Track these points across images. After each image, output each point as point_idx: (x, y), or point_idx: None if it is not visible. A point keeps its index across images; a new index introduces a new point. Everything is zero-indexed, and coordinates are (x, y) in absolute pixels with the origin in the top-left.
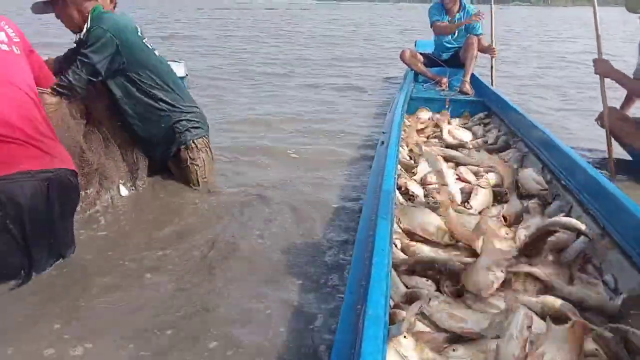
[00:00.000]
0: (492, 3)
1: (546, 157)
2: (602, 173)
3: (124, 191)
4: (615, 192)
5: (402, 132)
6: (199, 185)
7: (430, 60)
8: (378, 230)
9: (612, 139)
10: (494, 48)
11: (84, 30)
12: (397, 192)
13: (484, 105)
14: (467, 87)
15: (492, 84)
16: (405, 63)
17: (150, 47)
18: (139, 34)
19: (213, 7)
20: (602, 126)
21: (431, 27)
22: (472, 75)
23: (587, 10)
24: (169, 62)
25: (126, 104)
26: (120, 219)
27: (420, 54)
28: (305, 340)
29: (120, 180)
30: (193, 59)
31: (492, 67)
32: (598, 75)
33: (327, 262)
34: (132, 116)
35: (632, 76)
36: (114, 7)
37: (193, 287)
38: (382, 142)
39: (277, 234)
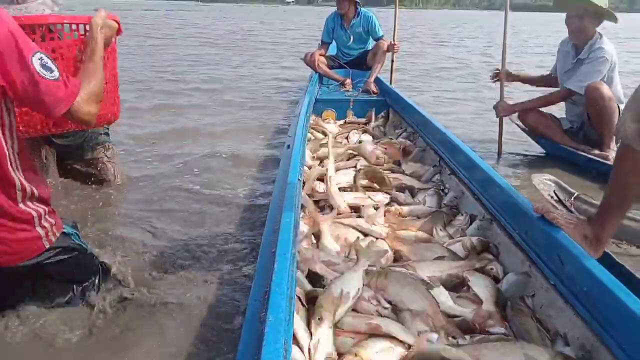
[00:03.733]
0: (396, 6)
1: (441, 151)
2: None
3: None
4: (499, 180)
5: (309, 134)
6: (116, 179)
7: (334, 62)
8: (281, 233)
9: (525, 133)
10: (394, 44)
11: None
12: (303, 194)
13: (386, 104)
14: (372, 86)
15: (390, 81)
16: (309, 65)
17: None
18: None
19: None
20: (497, 114)
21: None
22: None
23: (454, 12)
24: None
25: None
26: None
27: (323, 55)
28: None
29: None
30: None
31: (392, 62)
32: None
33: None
34: None
35: (549, 72)
36: None
37: None
38: (288, 146)
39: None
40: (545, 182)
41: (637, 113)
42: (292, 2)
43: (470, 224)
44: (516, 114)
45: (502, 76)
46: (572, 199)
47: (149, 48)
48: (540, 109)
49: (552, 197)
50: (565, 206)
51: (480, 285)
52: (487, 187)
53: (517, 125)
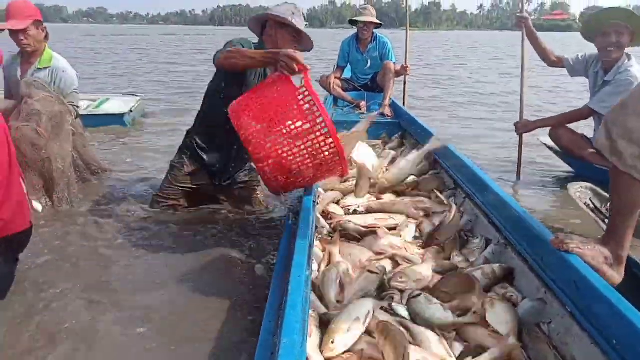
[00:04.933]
0: (407, 29)
1: (457, 177)
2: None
3: (37, 206)
4: (514, 205)
5: None
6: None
7: (348, 85)
8: (295, 255)
9: (554, 153)
10: (406, 67)
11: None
12: (317, 214)
13: (400, 127)
14: (387, 110)
15: (404, 102)
16: (324, 88)
17: None
18: None
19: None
20: (517, 132)
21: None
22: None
23: (463, 33)
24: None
25: None
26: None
27: (338, 78)
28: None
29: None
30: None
31: (404, 84)
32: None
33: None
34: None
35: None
36: None
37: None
38: None
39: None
40: (581, 190)
41: (626, 130)
42: (306, 24)
43: (485, 249)
44: (546, 134)
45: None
46: (609, 205)
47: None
48: (569, 127)
49: (587, 205)
50: (601, 213)
51: (501, 322)
52: (501, 211)
53: (546, 145)
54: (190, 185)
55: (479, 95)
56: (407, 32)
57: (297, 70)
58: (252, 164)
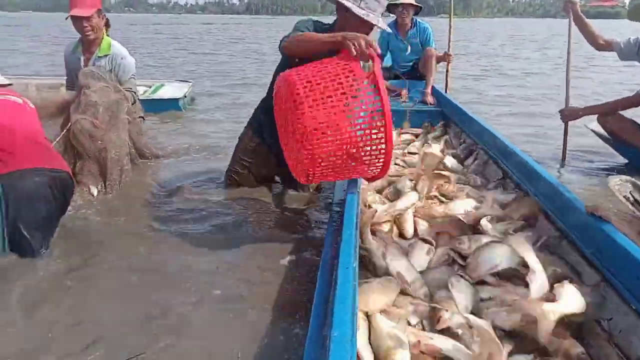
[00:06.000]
0: (451, 15)
1: (505, 165)
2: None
3: (93, 190)
4: (571, 197)
5: None
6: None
7: (389, 73)
8: (343, 246)
9: (603, 140)
10: (449, 55)
11: None
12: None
13: (443, 114)
14: (430, 98)
15: (445, 90)
16: None
17: None
18: None
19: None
20: (563, 119)
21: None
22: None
23: (505, 21)
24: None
25: None
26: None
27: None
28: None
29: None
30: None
31: (447, 72)
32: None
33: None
34: None
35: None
36: None
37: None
38: None
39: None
40: (621, 184)
41: None
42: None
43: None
44: (595, 121)
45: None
46: None
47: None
48: (621, 113)
49: (628, 198)
50: None
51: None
52: (556, 203)
53: (595, 132)
54: (252, 160)
55: (523, 86)
56: (450, 17)
57: (368, 56)
58: None
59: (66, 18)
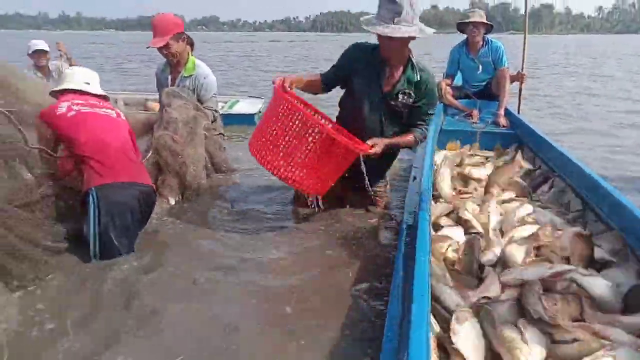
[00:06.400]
0: (526, 32)
1: (586, 195)
2: None
3: (172, 201)
4: None
5: (434, 167)
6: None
7: (459, 92)
8: (416, 274)
9: None
10: (523, 74)
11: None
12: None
13: (516, 137)
14: (503, 120)
15: (518, 111)
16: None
17: None
18: None
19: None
20: None
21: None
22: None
23: (579, 37)
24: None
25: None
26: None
27: (449, 85)
28: None
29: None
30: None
31: (520, 92)
32: None
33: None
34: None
35: None
36: None
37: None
38: (414, 177)
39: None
40: None
41: None
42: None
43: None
44: None
45: None
46: None
47: None
48: None
49: None
50: None
51: None
52: None
53: None
54: None
55: (602, 107)
56: (525, 35)
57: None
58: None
59: (147, 47)
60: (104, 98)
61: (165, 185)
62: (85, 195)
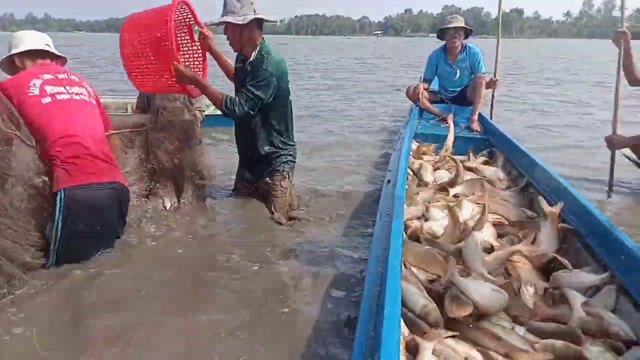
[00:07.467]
0: (499, 38)
1: (554, 200)
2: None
3: (167, 203)
4: (622, 237)
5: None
6: (275, 211)
7: (435, 97)
8: (388, 278)
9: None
10: (495, 80)
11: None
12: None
13: (488, 143)
14: (476, 125)
15: (490, 116)
16: (411, 99)
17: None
18: (288, 79)
19: None
20: (610, 147)
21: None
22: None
23: (547, 41)
24: None
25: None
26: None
27: (426, 90)
28: None
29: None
30: None
31: (492, 98)
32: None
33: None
34: (251, 139)
35: None
36: None
37: None
38: (389, 181)
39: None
40: None
41: None
42: (380, 33)
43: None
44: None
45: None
46: None
47: None
48: None
49: None
50: None
51: None
52: (608, 244)
53: (630, 159)
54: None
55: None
56: (498, 41)
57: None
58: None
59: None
60: (64, 60)
61: (160, 186)
62: (53, 195)
